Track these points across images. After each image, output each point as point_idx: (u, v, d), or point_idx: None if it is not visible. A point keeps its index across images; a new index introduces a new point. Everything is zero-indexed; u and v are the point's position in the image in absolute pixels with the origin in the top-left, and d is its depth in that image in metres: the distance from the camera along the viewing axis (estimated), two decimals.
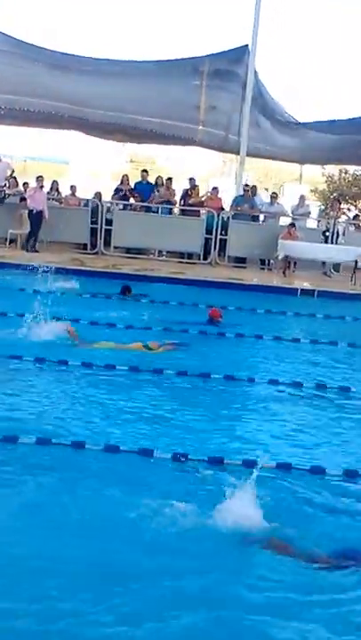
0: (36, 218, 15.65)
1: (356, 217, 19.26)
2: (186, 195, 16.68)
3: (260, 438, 6.08)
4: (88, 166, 37.32)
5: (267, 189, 35.77)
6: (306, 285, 14.49)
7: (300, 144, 18.92)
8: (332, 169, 21.89)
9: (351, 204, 21.50)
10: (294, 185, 28.21)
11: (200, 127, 18.53)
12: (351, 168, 21.28)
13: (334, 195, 21.17)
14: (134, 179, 17.82)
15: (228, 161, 34.80)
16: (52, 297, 9.09)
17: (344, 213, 17.89)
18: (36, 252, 15.52)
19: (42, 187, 16.25)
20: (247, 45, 16.51)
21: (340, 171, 21.50)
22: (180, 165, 36.80)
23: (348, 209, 21.42)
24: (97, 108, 17.61)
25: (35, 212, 15.61)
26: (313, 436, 6.28)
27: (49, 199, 16.38)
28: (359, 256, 15.13)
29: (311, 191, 23.21)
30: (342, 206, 21.23)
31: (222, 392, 7.35)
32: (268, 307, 12.07)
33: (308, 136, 18.59)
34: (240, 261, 16.55)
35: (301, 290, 14.24)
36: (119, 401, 6.70)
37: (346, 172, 21.40)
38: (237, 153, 17.91)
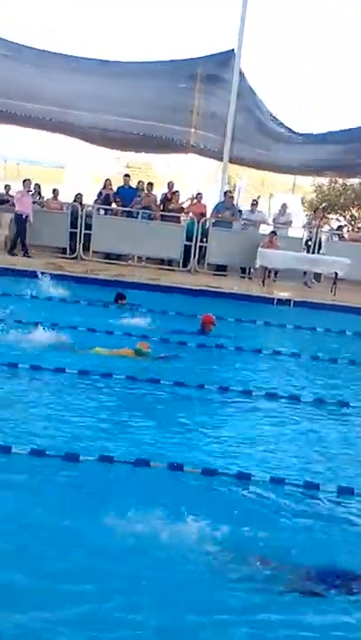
0: (24, 222, 15.48)
1: (339, 227, 19.04)
2: (165, 200, 16.46)
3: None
4: (86, 171, 37.17)
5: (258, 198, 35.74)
6: (282, 295, 14.27)
7: (295, 154, 18.76)
8: (323, 178, 21.67)
9: (340, 214, 21.28)
10: (288, 194, 28.14)
11: (192, 131, 18.29)
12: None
13: (323, 205, 20.95)
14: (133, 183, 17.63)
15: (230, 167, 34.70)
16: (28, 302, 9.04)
17: (327, 223, 17.65)
18: (29, 257, 15.34)
19: (29, 191, 16.08)
20: (233, 50, 16.31)
21: (331, 180, 21.28)
22: (178, 171, 36.69)
23: (337, 219, 21.25)
24: (82, 110, 17.40)
25: (24, 216, 15.44)
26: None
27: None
28: (339, 267, 14.89)
29: (301, 200, 23.04)
30: (331, 216, 21.10)
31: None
32: (240, 315, 11.86)
33: (303, 146, 18.40)
34: (221, 269, 16.34)
35: (278, 299, 14.03)
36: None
37: (335, 182, 21.17)
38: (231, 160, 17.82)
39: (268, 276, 15.50)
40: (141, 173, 42.03)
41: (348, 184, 20.88)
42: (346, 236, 18.57)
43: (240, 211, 17.17)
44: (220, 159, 17.78)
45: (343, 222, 20.66)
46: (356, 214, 21.01)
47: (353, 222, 20.78)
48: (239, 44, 16.17)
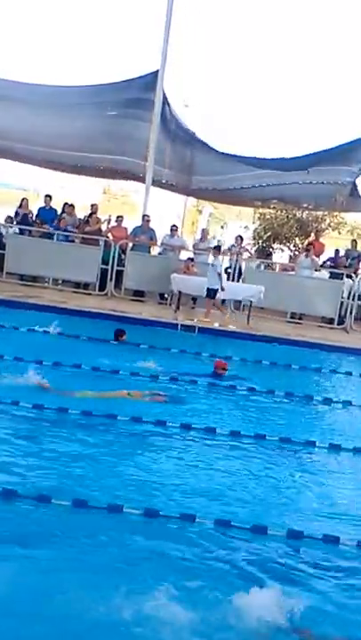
0: None
1: (268, 256, 18.59)
2: (84, 222, 16.03)
3: None
4: (62, 196, 36.84)
5: (223, 227, 35.35)
6: (187, 322, 13.73)
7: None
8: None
9: (284, 243, 20.74)
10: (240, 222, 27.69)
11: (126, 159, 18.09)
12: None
13: (268, 234, 20.44)
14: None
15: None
16: None
17: (247, 250, 17.15)
18: None
19: None
20: (157, 71, 16.04)
21: (274, 209, 20.82)
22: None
23: (282, 249, 20.72)
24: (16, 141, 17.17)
25: None
26: None
27: None
28: (252, 294, 14.39)
29: (244, 228, 22.49)
30: (275, 246, 20.60)
31: None
32: (135, 340, 11.34)
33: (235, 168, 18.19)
34: (139, 294, 15.84)
35: (182, 325, 13.50)
36: None
37: (281, 211, 20.69)
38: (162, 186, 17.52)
39: (185, 303, 15.00)
40: (117, 201, 41.95)
41: (290, 214, 20.38)
42: (277, 266, 18.12)
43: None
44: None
45: (288, 252, 20.15)
46: (300, 244, 20.44)
47: (297, 252, 20.22)
48: (162, 65, 15.88)
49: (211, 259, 14.57)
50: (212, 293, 13.99)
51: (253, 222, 21.69)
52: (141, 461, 6.32)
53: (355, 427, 8.58)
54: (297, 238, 20.18)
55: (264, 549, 4.87)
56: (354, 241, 18.69)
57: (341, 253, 17.47)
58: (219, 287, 13.88)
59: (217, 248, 14.85)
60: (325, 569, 4.74)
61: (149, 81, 16.32)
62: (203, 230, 16.92)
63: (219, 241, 17.58)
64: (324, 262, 17.39)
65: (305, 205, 18.98)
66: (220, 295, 14.07)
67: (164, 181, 18.61)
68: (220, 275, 13.95)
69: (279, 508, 5.68)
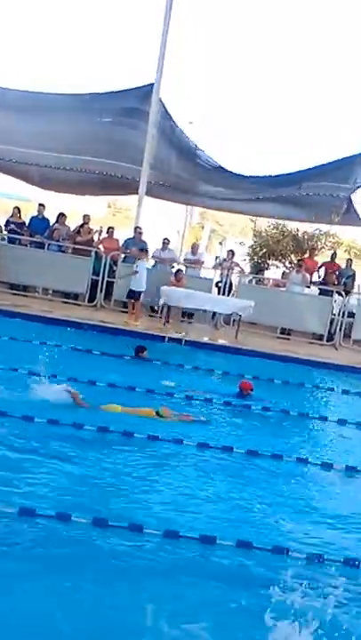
0: None
1: (259, 272, 18.55)
2: (76, 232, 15.97)
3: None
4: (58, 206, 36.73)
5: (221, 243, 35.30)
6: (176, 334, 13.63)
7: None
8: (263, 222, 21.20)
9: (280, 260, 20.70)
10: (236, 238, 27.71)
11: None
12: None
13: (263, 251, 20.41)
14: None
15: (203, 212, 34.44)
16: None
17: (237, 265, 17.05)
18: None
19: None
20: (153, 84, 16.07)
21: (270, 226, 20.80)
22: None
23: (277, 266, 20.67)
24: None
25: None
26: None
27: None
28: (241, 308, 14.30)
29: (240, 244, 22.48)
30: (270, 262, 20.56)
31: None
32: (120, 352, 11.27)
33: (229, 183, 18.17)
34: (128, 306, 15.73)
35: (169, 338, 13.40)
36: None
37: (275, 228, 20.66)
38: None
39: (174, 316, 14.92)
40: (121, 215, 41.95)
41: (285, 231, 20.35)
42: (270, 281, 18.04)
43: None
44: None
45: (283, 268, 20.09)
46: (296, 261, 20.37)
47: (291, 268, 20.16)
48: (158, 77, 15.91)
49: (137, 262, 14.56)
50: (135, 295, 14.25)
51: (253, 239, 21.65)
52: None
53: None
54: (292, 255, 20.15)
55: None
56: (350, 260, 18.64)
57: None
58: (142, 289, 14.31)
59: (143, 250, 15.07)
60: None
61: (148, 92, 16.32)
62: (193, 244, 16.84)
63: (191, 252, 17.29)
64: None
65: (302, 218, 18.91)
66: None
67: (167, 185, 18.60)
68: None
69: None
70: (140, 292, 14.27)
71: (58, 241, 15.74)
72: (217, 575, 4.56)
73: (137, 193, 17.13)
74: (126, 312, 15.44)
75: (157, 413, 7.90)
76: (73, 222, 16.67)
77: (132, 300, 14.35)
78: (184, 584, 4.37)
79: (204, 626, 3.88)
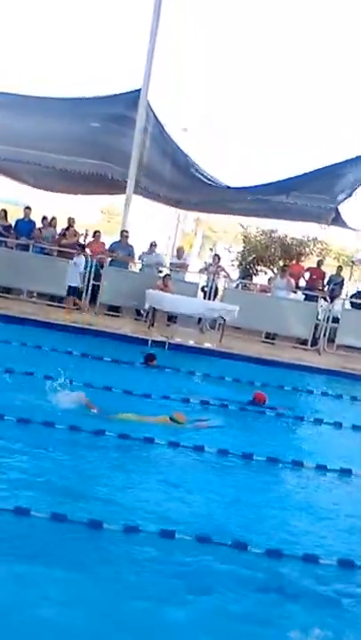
0: None
1: (246, 277, 18.56)
2: (61, 235, 15.96)
3: None
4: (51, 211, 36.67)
5: (211, 249, 35.33)
6: (160, 338, 13.60)
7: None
8: (252, 229, 21.21)
9: (268, 266, 20.70)
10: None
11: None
12: (266, 224, 20.68)
13: (252, 256, 20.44)
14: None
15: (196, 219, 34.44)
16: None
17: (223, 270, 17.06)
18: None
19: None
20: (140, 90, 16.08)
21: (259, 232, 20.81)
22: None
23: (265, 272, 20.68)
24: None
25: None
26: None
27: None
28: (225, 312, 14.28)
29: (228, 250, 22.41)
30: (259, 268, 20.58)
31: None
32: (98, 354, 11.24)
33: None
34: (113, 309, 15.73)
35: (153, 341, 13.36)
36: None
37: (263, 234, 20.68)
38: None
39: (159, 319, 14.90)
40: (114, 220, 41.88)
41: (274, 237, 20.38)
42: (256, 286, 18.02)
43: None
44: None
45: (270, 274, 20.09)
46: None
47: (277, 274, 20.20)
48: (146, 83, 15.92)
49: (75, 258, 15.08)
50: (71, 291, 15.00)
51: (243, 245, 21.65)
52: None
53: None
54: (281, 261, 20.15)
55: None
56: (340, 267, 18.71)
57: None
58: (78, 285, 15.15)
59: (81, 246, 15.71)
60: None
61: (136, 98, 16.32)
62: (179, 248, 16.86)
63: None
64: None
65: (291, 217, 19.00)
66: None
67: (160, 195, 18.68)
68: (81, 274, 15.02)
69: None
70: (75, 288, 15.05)
71: (40, 243, 15.71)
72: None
73: (120, 191, 17.28)
74: (112, 315, 15.49)
75: (172, 419, 7.80)
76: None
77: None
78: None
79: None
